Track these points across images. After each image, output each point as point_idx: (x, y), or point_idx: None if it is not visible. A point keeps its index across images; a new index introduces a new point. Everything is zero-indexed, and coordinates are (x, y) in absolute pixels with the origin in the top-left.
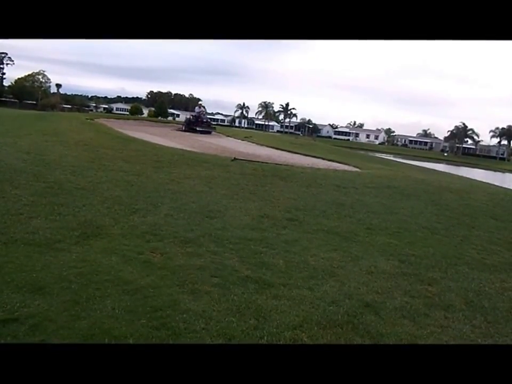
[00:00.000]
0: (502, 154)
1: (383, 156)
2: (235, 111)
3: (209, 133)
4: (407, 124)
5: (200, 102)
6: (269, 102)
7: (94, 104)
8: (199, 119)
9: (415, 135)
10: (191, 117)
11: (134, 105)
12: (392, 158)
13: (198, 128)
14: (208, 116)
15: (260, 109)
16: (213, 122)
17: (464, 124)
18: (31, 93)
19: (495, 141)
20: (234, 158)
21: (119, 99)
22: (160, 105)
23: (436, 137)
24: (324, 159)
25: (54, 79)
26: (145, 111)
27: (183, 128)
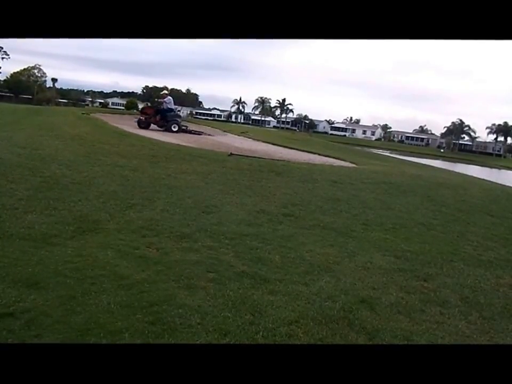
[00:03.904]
0: (498, 150)
1: (380, 151)
2: (231, 106)
3: (181, 130)
4: (403, 120)
5: (165, 91)
6: (266, 98)
7: (90, 99)
8: (164, 112)
9: (411, 131)
10: (157, 107)
11: (130, 100)
12: (388, 154)
13: (164, 123)
14: (203, 111)
15: (257, 104)
16: (209, 118)
17: (460, 120)
18: (27, 87)
19: (491, 137)
20: (231, 153)
21: (114, 94)
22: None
23: (433, 134)
24: (320, 154)
25: (50, 73)
26: (141, 106)
27: (141, 125)
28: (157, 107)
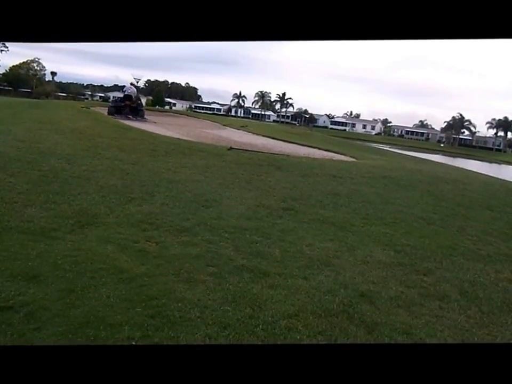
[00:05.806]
0: (498, 145)
1: (380, 146)
2: (231, 100)
3: (142, 119)
4: (403, 114)
5: (133, 80)
6: (266, 92)
7: (90, 93)
8: (129, 102)
9: (411, 126)
10: (120, 98)
11: None
12: (388, 149)
13: (128, 114)
14: (202, 105)
15: (257, 98)
16: (209, 112)
17: (461, 114)
18: (26, 81)
19: (491, 132)
20: (231, 147)
21: (115, 88)
22: (158, 94)
23: (433, 128)
24: (320, 149)
25: (49, 66)
26: (143, 100)
27: (111, 113)
28: (131, 98)
